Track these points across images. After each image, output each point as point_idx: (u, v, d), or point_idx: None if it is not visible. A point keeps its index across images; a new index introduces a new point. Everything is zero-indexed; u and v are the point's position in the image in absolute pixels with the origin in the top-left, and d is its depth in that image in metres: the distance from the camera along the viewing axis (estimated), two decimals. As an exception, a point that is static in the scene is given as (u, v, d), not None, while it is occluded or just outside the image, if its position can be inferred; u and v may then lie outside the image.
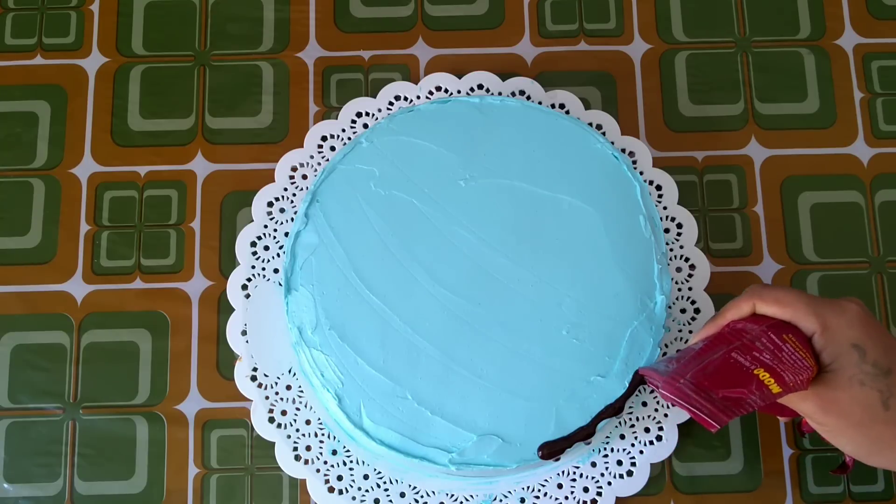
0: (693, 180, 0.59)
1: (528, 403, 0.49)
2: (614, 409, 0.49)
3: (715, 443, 0.56)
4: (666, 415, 0.54)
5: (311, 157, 0.58)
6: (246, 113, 0.60)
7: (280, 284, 0.55)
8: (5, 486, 0.55)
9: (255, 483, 0.55)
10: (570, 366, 0.49)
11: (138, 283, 0.58)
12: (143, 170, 0.59)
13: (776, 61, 0.62)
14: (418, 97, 0.59)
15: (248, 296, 0.56)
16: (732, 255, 0.58)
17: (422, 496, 0.53)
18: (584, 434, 0.48)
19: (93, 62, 0.61)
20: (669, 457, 0.54)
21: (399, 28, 0.62)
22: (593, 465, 0.54)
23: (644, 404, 0.54)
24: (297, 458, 0.53)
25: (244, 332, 0.55)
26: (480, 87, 0.60)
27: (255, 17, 0.62)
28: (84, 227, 0.58)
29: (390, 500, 0.53)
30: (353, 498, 0.53)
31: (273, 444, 0.54)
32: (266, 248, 0.56)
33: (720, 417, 0.40)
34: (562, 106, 0.59)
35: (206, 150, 0.60)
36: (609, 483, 0.53)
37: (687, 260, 0.56)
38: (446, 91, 0.59)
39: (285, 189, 0.57)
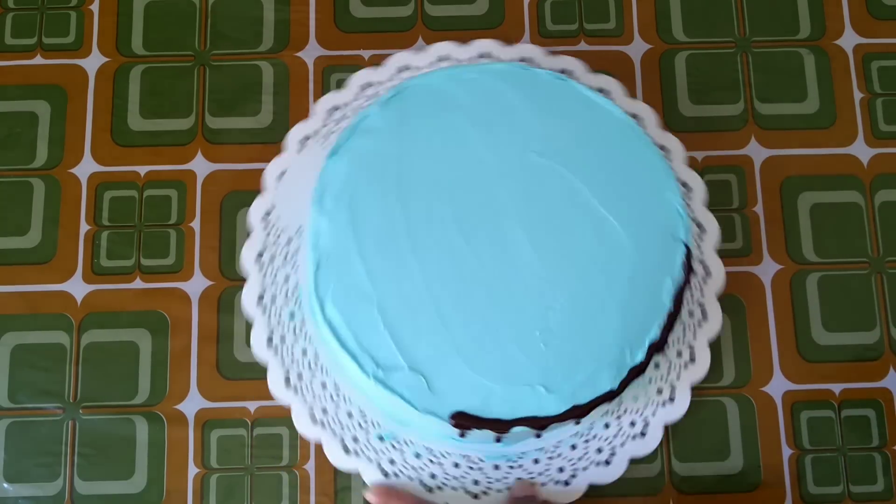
0: (693, 180, 0.59)
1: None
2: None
3: (715, 443, 0.56)
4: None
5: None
6: (246, 113, 0.60)
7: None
8: (5, 486, 0.55)
9: (255, 483, 0.55)
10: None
11: (138, 283, 0.58)
12: (142, 170, 0.59)
13: (776, 61, 0.62)
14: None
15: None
16: (732, 255, 0.58)
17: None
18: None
19: (93, 62, 0.61)
20: (669, 457, 0.54)
21: (399, 28, 0.62)
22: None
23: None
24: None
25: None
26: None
27: (255, 17, 0.62)
28: (84, 227, 0.58)
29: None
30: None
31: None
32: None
33: None
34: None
35: (206, 150, 0.60)
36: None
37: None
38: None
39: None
